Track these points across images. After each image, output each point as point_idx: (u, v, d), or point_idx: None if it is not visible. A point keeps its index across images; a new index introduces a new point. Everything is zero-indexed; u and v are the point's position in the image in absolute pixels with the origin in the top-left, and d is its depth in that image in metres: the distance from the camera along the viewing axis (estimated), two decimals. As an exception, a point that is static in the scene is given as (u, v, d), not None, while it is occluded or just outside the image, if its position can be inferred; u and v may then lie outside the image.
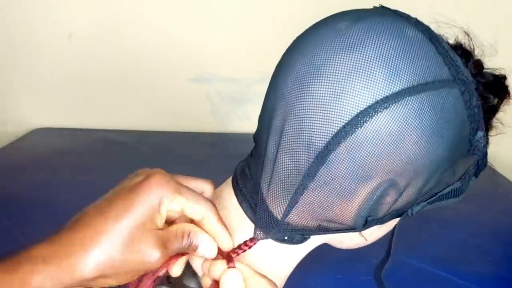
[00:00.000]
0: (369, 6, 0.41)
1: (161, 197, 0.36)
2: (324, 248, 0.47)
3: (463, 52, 0.42)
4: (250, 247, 0.41)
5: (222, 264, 0.39)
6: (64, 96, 1.35)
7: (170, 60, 1.32)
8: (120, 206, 0.35)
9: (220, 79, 1.34)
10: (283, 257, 0.44)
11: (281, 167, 0.38)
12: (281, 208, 0.40)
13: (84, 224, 0.35)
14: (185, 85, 1.34)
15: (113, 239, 0.34)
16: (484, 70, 0.43)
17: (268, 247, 0.42)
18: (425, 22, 0.40)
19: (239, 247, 0.41)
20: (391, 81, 0.34)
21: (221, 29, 1.30)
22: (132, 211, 0.35)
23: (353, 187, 0.37)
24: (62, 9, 1.27)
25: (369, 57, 0.34)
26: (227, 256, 0.39)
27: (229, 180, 0.46)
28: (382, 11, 0.39)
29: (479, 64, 0.43)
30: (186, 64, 1.33)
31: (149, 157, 1.17)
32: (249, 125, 1.35)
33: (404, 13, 0.39)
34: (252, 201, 0.42)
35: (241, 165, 0.46)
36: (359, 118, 0.34)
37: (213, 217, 0.38)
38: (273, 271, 0.44)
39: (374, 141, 0.34)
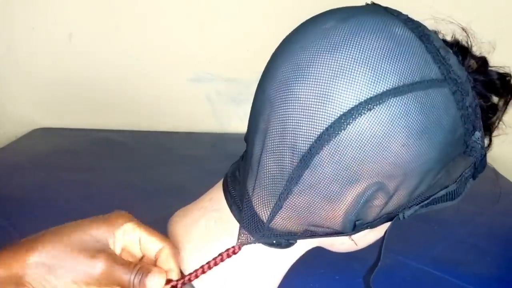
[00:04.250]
0: (364, 3, 0.41)
1: (120, 220, 0.38)
2: (322, 249, 0.47)
3: (459, 49, 0.41)
4: (226, 258, 0.40)
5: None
6: (64, 96, 1.35)
7: (170, 60, 1.32)
8: (83, 220, 0.38)
9: (220, 79, 1.34)
10: (274, 262, 0.43)
11: (265, 170, 0.38)
12: (267, 212, 0.39)
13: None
14: (185, 85, 1.34)
15: (66, 234, 0.36)
16: (489, 68, 0.42)
17: (258, 251, 0.42)
18: (422, 19, 0.39)
19: (214, 260, 0.40)
20: (375, 82, 0.33)
21: (221, 29, 1.30)
22: (92, 221, 0.38)
23: (338, 190, 0.36)
24: (62, 9, 1.27)
25: (353, 58, 0.34)
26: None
27: (221, 182, 0.45)
28: (372, 9, 0.38)
29: (483, 61, 0.42)
30: (186, 64, 1.33)
31: (149, 157, 1.17)
32: (249, 125, 1.35)
33: (395, 10, 0.38)
34: (240, 204, 0.41)
35: (233, 167, 0.45)
36: (342, 120, 0.33)
37: (167, 254, 0.38)
38: (264, 276, 0.43)
39: (359, 143, 0.34)
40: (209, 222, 0.43)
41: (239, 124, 1.36)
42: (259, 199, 0.39)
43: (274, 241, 0.41)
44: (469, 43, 0.42)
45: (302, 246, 0.43)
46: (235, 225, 0.41)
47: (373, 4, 0.40)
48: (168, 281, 0.38)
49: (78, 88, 1.34)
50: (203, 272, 0.40)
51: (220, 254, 0.40)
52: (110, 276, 0.36)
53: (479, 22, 0.46)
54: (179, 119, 1.37)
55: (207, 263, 0.40)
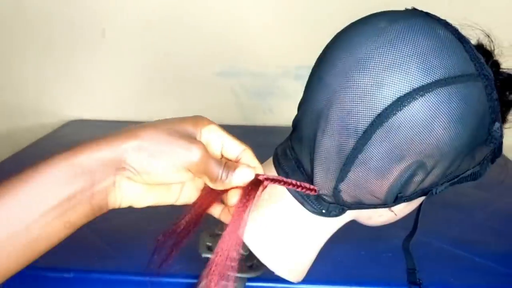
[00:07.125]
0: (391, 8, 0.46)
1: (204, 120, 0.42)
2: (350, 227, 0.51)
3: (484, 52, 0.46)
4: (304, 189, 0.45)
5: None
6: (98, 89, 1.40)
7: (197, 55, 1.36)
8: (172, 118, 0.41)
9: (245, 74, 1.38)
10: (317, 230, 0.48)
11: (326, 149, 0.43)
12: (327, 184, 0.45)
13: None
14: (212, 79, 1.38)
15: (165, 124, 0.39)
16: (500, 69, 0.47)
17: (304, 220, 0.47)
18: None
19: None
20: (426, 74, 0.39)
21: (247, 25, 1.34)
22: (181, 118, 0.41)
23: (389, 166, 0.41)
24: (97, 6, 1.33)
25: (407, 53, 0.40)
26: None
27: (269, 161, 0.51)
28: (415, 13, 0.44)
29: (496, 64, 0.47)
30: (212, 59, 1.37)
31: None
32: (273, 118, 1.39)
33: (435, 15, 0.44)
34: (293, 178, 0.46)
35: (282, 147, 0.50)
36: (399, 102, 0.39)
37: (251, 154, 0.43)
38: (307, 242, 0.48)
39: (410, 124, 0.39)
40: (263, 195, 0.48)
41: (263, 117, 1.40)
42: (320, 173, 0.45)
43: (324, 210, 0.47)
44: (492, 47, 0.48)
45: (342, 218, 0.48)
46: (286, 196, 0.47)
47: (414, 9, 0.46)
48: (256, 176, 0.41)
49: (111, 81, 1.39)
50: (289, 184, 0.44)
51: (300, 185, 0.45)
52: (204, 164, 0.39)
53: (501, 28, 0.50)
54: (205, 113, 1.39)
55: (291, 180, 0.44)
